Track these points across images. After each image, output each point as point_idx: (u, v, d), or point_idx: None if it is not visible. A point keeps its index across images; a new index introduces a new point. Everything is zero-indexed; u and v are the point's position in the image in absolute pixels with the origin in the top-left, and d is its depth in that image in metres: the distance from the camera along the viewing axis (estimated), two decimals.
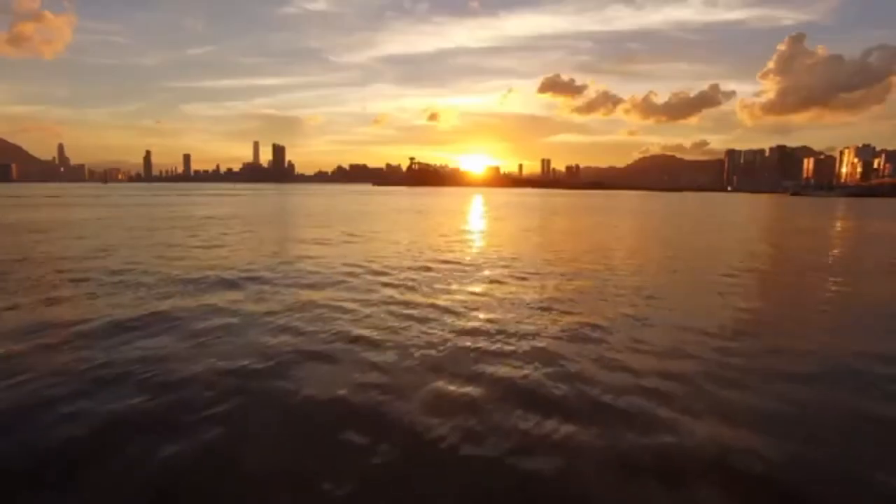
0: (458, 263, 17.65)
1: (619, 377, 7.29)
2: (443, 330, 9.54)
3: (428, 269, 16.39)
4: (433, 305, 11.43)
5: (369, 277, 14.73)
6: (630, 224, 41.41)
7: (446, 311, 10.97)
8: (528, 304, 11.75)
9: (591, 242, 25.56)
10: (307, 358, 7.98)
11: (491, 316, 10.60)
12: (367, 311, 10.89)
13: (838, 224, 45.36)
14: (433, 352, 8.34)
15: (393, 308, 11.16)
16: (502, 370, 7.55)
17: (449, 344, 8.74)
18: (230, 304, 11.29)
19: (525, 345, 8.70)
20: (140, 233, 27.12)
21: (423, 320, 10.16)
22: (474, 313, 10.79)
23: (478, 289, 13.44)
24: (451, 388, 6.92)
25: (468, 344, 8.73)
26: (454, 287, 13.57)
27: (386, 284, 13.75)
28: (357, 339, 8.91)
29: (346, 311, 10.86)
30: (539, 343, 8.81)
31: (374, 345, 8.64)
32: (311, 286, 13.48)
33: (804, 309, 12.47)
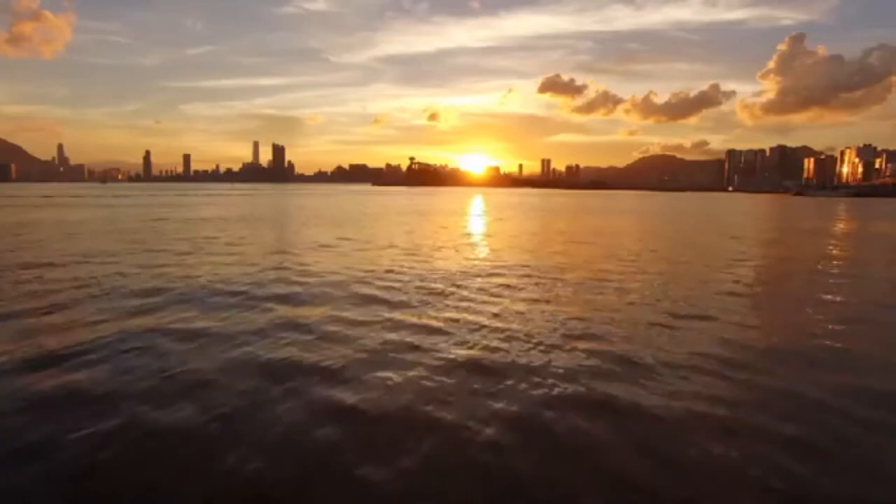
0: (468, 274, 16.04)
1: (702, 441, 5.64)
2: (454, 364, 7.93)
3: (433, 280, 14.71)
4: (442, 330, 9.80)
5: (364, 292, 13.11)
6: (638, 226, 39.85)
7: (458, 339, 9.33)
8: (553, 324, 10.13)
9: (603, 247, 23.99)
10: (273, 403, 6.34)
11: (512, 345, 8.91)
12: (358, 335, 9.29)
13: (854, 225, 43.77)
14: (441, 396, 6.74)
15: (392, 333, 9.57)
16: (536, 423, 5.93)
17: (466, 384, 7.14)
18: (197, 325, 9.68)
19: (563, 385, 7.02)
20: (124, 236, 25.55)
21: (428, 350, 8.52)
22: (491, 340, 9.12)
23: (493, 305, 11.74)
24: (467, 451, 5.34)
25: (490, 386, 7.08)
26: (467, 304, 11.84)
27: (384, 301, 12.13)
28: (340, 380, 7.29)
29: (333, 337, 9.26)
30: (580, 381, 7.15)
31: (363, 386, 7.03)
32: (296, 302, 11.87)
33: (866, 325, 10.82)
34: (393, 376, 7.27)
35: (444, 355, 8.18)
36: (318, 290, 12.96)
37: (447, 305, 11.58)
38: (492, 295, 12.72)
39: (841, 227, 42.14)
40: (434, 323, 10.10)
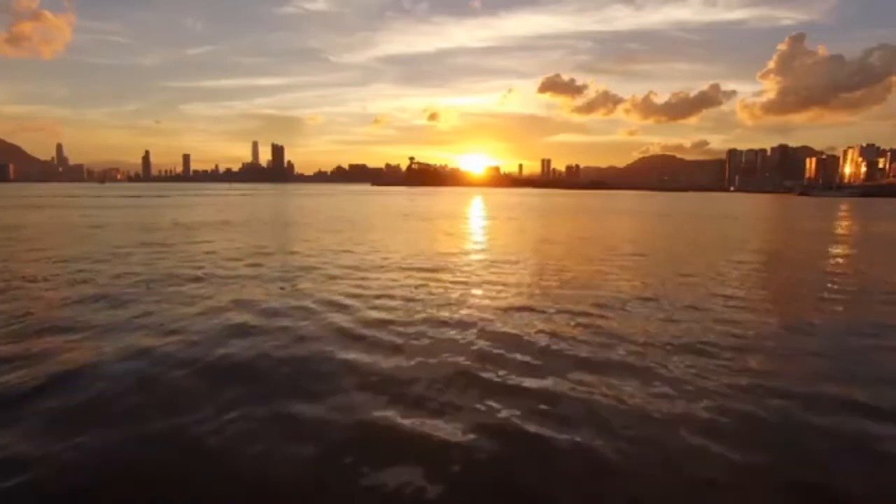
0: (491, 308, 13.48)
1: None
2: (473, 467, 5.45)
3: (443, 322, 11.39)
4: (461, 423, 7.35)
5: (353, 341, 10.37)
6: (650, 229, 37.36)
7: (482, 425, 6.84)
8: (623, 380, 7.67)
9: (632, 259, 21.44)
10: None
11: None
12: (333, 421, 6.83)
13: (877, 227, 41.21)
14: None
15: (388, 418, 7.10)
16: None
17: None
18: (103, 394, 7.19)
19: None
20: (77, 248, 23.02)
21: (437, 457, 6.01)
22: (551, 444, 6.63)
23: (547, 371, 9.24)
24: None
25: None
26: (509, 375, 8.92)
27: (377, 368, 9.55)
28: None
29: (300, 422, 6.76)
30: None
31: None
32: (250, 371, 8.99)
33: None
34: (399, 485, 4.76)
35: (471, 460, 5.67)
36: (289, 354, 10.20)
37: (479, 379, 9.04)
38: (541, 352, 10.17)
39: (869, 229, 39.64)
40: (463, 395, 7.59)
